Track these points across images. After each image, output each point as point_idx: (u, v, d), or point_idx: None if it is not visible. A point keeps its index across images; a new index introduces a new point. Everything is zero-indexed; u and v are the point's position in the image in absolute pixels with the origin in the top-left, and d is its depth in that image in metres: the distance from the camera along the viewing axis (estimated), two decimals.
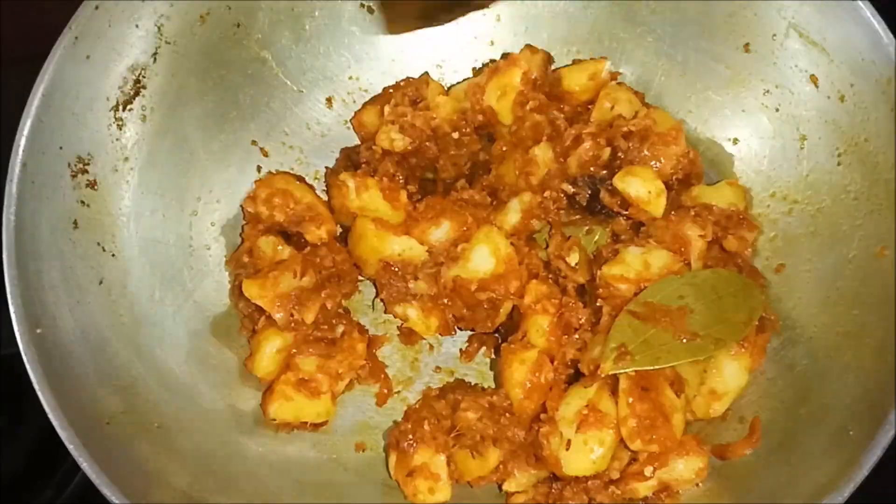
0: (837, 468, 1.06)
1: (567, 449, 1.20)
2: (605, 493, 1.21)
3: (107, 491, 1.08)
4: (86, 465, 1.08)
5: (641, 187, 1.31)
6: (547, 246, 1.41)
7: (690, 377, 1.26)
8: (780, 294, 1.33)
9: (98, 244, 1.28)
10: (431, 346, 1.46)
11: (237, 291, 1.39)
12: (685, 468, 1.20)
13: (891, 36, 1.21)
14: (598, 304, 1.28)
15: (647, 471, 1.19)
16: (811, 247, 1.31)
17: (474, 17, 1.52)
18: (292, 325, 1.34)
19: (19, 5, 1.63)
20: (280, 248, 1.38)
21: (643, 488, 1.20)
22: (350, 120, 1.52)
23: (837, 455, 1.09)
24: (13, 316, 1.12)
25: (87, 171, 1.27)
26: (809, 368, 1.24)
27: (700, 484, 1.22)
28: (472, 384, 1.42)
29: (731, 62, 1.40)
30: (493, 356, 1.43)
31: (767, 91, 1.37)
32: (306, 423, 1.36)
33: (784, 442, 1.19)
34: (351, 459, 1.37)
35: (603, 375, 1.20)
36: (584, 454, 1.19)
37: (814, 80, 1.31)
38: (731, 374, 1.25)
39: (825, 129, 1.31)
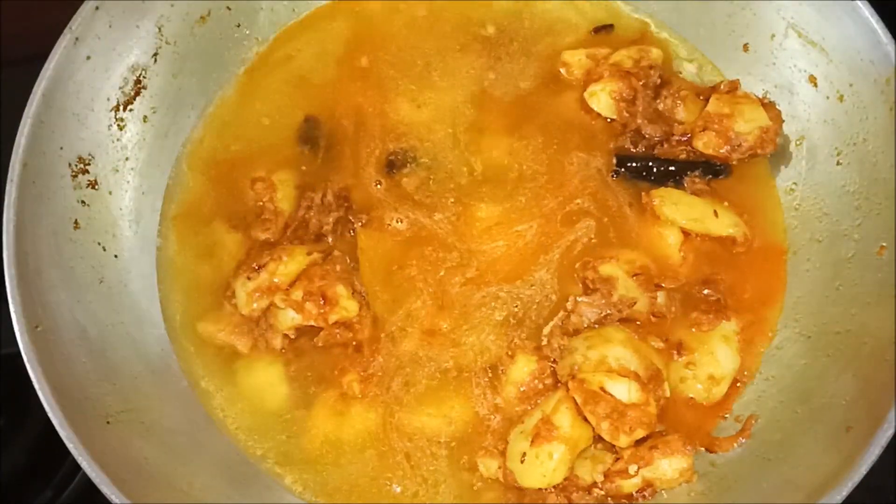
0: (836, 467, 1.06)
1: (522, 462, 1.19)
2: (589, 497, 1.21)
3: (107, 490, 1.07)
4: (86, 464, 1.08)
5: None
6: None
7: (671, 372, 1.26)
8: None
9: (98, 244, 1.28)
10: None
11: None
12: (669, 468, 1.20)
13: (889, 36, 1.20)
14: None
15: (632, 469, 1.19)
16: (810, 246, 1.31)
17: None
18: (265, 349, 1.29)
19: (19, 5, 1.63)
20: None
21: (627, 486, 1.20)
22: None
23: (836, 454, 1.09)
24: (13, 315, 1.12)
25: (87, 172, 1.27)
26: (808, 368, 1.24)
27: (687, 483, 1.22)
28: None
29: (730, 62, 1.40)
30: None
31: (766, 91, 1.37)
32: None
33: (782, 441, 1.19)
34: None
35: None
36: (536, 468, 1.18)
37: (813, 80, 1.31)
38: (724, 357, 1.26)
39: (824, 129, 1.31)
